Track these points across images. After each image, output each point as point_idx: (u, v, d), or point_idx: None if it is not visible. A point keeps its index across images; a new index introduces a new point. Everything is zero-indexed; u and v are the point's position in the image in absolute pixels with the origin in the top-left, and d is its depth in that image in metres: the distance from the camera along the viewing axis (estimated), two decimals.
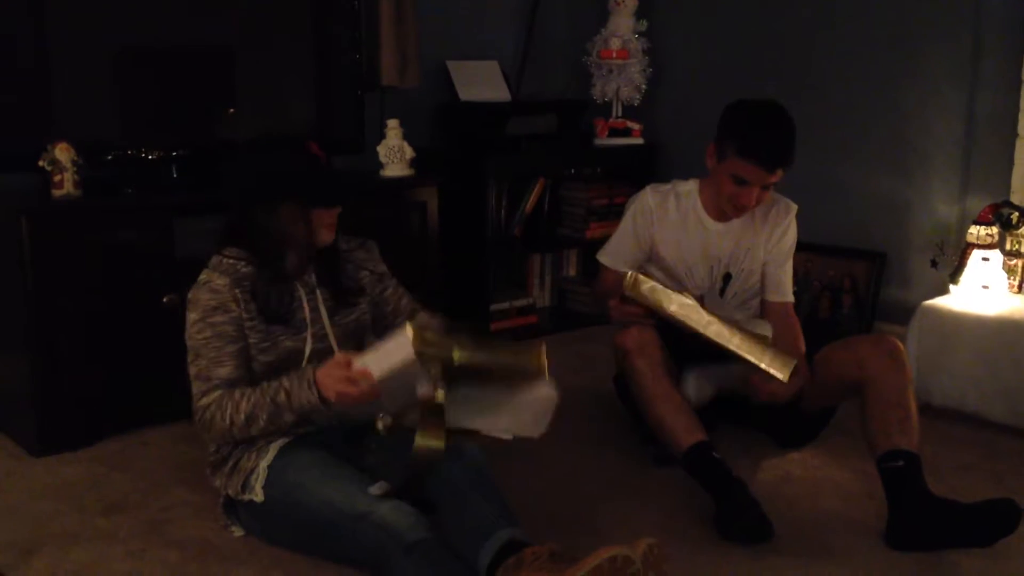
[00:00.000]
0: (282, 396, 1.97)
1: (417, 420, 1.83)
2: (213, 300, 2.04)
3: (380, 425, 1.85)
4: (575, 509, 2.32)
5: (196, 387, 2.05)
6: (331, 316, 2.16)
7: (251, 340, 2.07)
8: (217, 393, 2.02)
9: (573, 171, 4.08)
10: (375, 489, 1.91)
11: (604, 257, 2.73)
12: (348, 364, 1.91)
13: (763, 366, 2.33)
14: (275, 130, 3.12)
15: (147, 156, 2.93)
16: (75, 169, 2.67)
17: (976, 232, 2.94)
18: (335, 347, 2.14)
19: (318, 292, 2.16)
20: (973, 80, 3.19)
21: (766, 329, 2.52)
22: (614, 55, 3.93)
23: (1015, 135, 3.09)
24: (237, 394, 2.01)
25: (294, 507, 1.98)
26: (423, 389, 1.83)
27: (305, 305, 2.13)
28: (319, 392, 1.93)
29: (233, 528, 2.17)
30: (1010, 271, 2.93)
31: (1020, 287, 2.92)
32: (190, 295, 2.08)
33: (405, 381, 1.84)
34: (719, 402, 2.59)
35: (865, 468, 2.36)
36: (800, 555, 2.10)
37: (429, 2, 3.66)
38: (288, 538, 2.07)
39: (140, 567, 2.06)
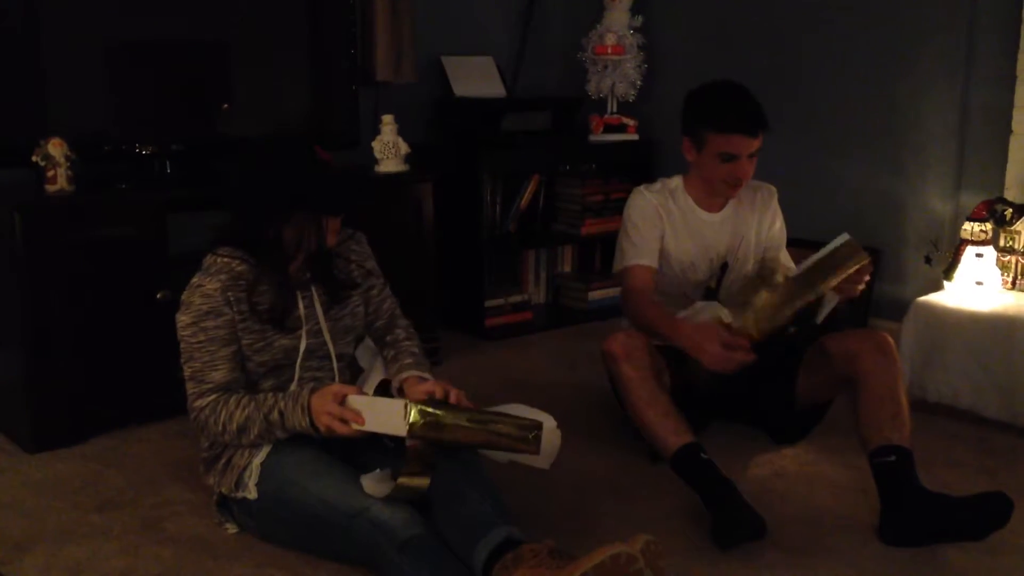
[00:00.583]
0: (275, 415, 1.98)
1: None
2: (205, 304, 2.03)
3: None
4: (570, 506, 2.32)
5: (190, 388, 2.05)
6: (326, 312, 2.16)
7: (245, 341, 2.07)
8: (212, 397, 2.02)
9: (568, 167, 4.08)
10: (374, 479, 1.91)
11: (637, 259, 2.57)
12: (343, 398, 1.93)
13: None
14: (269, 125, 3.14)
15: (141, 151, 2.93)
16: (68, 164, 2.67)
17: (970, 228, 2.95)
18: (330, 344, 2.14)
19: (313, 289, 2.15)
20: (967, 76, 3.19)
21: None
22: (609, 51, 3.93)
23: (1009, 131, 3.08)
24: (232, 402, 2.01)
25: (288, 504, 1.98)
26: (412, 441, 1.87)
27: (300, 303, 2.13)
28: (311, 419, 1.95)
29: (227, 525, 2.17)
30: (1004, 267, 2.94)
31: (1014, 283, 2.93)
32: (183, 296, 2.08)
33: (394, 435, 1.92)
34: (713, 399, 2.60)
35: (858, 463, 2.36)
36: (793, 551, 2.10)
37: None
38: (282, 535, 2.07)
39: (134, 563, 2.05)
